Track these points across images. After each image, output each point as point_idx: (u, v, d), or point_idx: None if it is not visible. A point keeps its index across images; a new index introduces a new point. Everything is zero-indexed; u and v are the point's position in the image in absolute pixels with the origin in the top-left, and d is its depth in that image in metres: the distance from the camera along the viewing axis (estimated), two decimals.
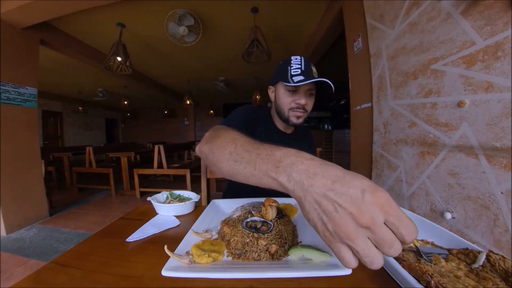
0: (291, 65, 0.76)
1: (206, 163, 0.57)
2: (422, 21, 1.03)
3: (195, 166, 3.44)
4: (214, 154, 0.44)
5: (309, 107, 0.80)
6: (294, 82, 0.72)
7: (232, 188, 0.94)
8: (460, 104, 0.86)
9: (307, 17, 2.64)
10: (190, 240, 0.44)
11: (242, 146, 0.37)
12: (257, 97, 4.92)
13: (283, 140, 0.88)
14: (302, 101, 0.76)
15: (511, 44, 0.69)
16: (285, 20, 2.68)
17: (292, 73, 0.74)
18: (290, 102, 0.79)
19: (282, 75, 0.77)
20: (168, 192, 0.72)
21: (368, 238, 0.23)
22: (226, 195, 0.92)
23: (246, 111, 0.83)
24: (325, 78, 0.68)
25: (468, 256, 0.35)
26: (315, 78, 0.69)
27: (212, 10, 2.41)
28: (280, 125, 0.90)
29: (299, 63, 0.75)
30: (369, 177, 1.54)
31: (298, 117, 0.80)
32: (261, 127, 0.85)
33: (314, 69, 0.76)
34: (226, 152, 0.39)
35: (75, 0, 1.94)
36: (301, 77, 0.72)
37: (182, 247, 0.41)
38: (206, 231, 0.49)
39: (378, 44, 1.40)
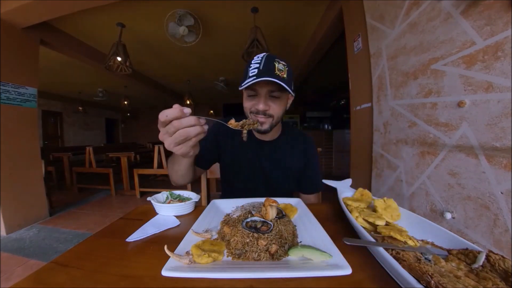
0: (251, 65, 0.65)
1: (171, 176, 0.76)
2: (422, 21, 1.03)
3: None
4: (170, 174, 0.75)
5: (274, 111, 0.69)
6: (242, 84, 0.64)
7: (225, 193, 0.95)
8: (460, 104, 0.86)
9: (307, 17, 2.64)
10: (190, 240, 0.44)
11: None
12: None
13: (257, 150, 0.81)
14: (260, 106, 0.66)
15: (511, 44, 0.69)
16: (285, 20, 2.68)
17: (250, 74, 0.63)
18: (250, 107, 0.70)
19: (243, 78, 0.68)
20: (168, 192, 0.72)
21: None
22: (222, 197, 0.94)
23: (211, 128, 0.83)
24: (276, 78, 0.60)
25: (468, 256, 0.35)
26: (272, 77, 0.60)
27: (212, 10, 2.41)
28: (256, 132, 0.80)
29: (259, 61, 0.64)
30: (369, 177, 1.55)
31: (261, 123, 0.70)
32: (231, 139, 0.83)
33: (279, 66, 0.63)
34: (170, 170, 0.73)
35: (75, 0, 1.94)
36: (254, 78, 0.61)
37: (182, 247, 0.41)
38: (206, 231, 0.49)
39: (378, 44, 1.40)
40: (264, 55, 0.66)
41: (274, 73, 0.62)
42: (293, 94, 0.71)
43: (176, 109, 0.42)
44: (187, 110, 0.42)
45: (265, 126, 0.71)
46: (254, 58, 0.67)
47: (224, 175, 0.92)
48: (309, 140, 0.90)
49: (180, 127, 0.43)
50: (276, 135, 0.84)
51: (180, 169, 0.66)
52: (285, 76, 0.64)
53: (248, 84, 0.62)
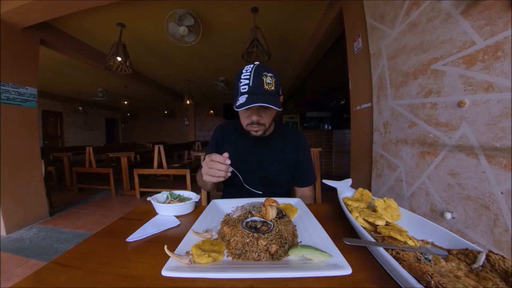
0: (241, 80, 0.70)
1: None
2: (422, 21, 1.03)
3: (195, 166, 3.45)
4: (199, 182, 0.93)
5: (266, 120, 0.78)
6: (236, 105, 0.69)
7: (226, 193, 1.00)
8: (460, 104, 0.86)
9: (307, 17, 2.64)
10: (190, 240, 0.44)
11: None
12: None
13: (252, 143, 0.91)
14: (253, 117, 0.76)
15: (511, 44, 0.69)
16: (285, 20, 2.68)
17: (241, 91, 0.69)
18: (245, 119, 0.80)
19: (235, 92, 0.75)
20: (168, 192, 0.72)
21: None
22: (223, 197, 1.00)
23: (213, 135, 0.98)
24: (267, 102, 0.65)
25: (468, 256, 0.35)
26: (263, 93, 0.67)
27: (212, 10, 2.41)
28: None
29: (248, 76, 0.69)
30: (369, 177, 1.55)
31: (256, 131, 0.80)
32: (233, 136, 0.94)
33: (267, 80, 0.69)
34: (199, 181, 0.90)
35: (75, 0, 1.94)
36: (245, 97, 0.67)
37: (182, 247, 0.41)
38: (206, 231, 0.49)
39: (378, 44, 1.40)
40: (252, 68, 0.70)
41: (263, 88, 0.68)
42: (281, 95, 0.81)
43: (223, 157, 0.61)
44: (228, 162, 0.61)
45: (259, 133, 0.81)
46: (243, 71, 0.71)
47: None
48: (300, 135, 0.97)
49: (215, 168, 0.61)
50: (269, 132, 0.93)
51: (206, 184, 0.87)
52: (273, 88, 0.70)
53: (242, 109, 0.68)
